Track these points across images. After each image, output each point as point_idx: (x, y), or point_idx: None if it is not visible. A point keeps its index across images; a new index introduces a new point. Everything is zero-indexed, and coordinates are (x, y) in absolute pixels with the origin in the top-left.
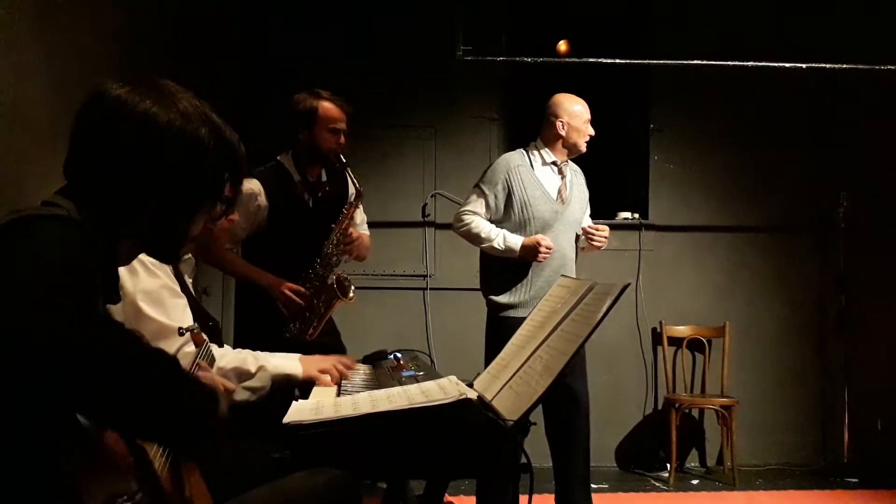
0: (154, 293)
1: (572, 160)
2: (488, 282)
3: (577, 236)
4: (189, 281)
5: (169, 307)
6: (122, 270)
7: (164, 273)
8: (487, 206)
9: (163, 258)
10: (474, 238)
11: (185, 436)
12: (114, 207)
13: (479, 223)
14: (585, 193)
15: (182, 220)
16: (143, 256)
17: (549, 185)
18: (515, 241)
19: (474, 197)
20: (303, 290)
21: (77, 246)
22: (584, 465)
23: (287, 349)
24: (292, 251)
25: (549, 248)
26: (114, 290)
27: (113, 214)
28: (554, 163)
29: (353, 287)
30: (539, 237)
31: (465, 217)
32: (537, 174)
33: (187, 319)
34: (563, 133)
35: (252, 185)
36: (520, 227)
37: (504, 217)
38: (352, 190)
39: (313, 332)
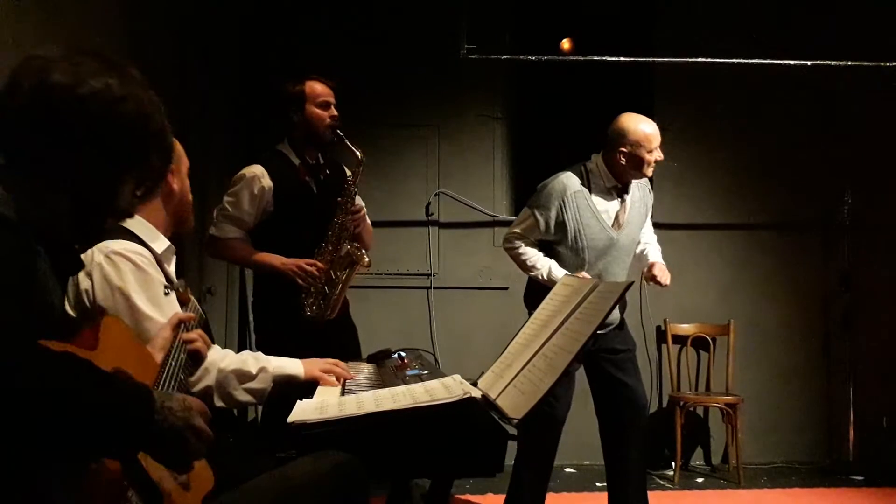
0: (151, 292)
1: None
2: (531, 297)
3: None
4: (172, 269)
5: (164, 305)
6: (107, 266)
7: (150, 266)
8: (538, 229)
9: (85, 233)
10: (521, 265)
11: (117, 441)
12: (39, 178)
13: (527, 251)
14: (648, 205)
15: (100, 195)
16: (129, 254)
17: (605, 212)
18: (558, 275)
19: (527, 218)
20: (318, 263)
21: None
22: (642, 468)
23: (307, 338)
24: (302, 235)
25: None
26: (74, 258)
27: (36, 188)
28: (615, 187)
29: (365, 252)
30: (582, 275)
31: (515, 242)
32: (594, 200)
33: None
34: (623, 163)
35: (255, 169)
36: (574, 252)
37: (558, 238)
38: (349, 173)
39: (333, 308)
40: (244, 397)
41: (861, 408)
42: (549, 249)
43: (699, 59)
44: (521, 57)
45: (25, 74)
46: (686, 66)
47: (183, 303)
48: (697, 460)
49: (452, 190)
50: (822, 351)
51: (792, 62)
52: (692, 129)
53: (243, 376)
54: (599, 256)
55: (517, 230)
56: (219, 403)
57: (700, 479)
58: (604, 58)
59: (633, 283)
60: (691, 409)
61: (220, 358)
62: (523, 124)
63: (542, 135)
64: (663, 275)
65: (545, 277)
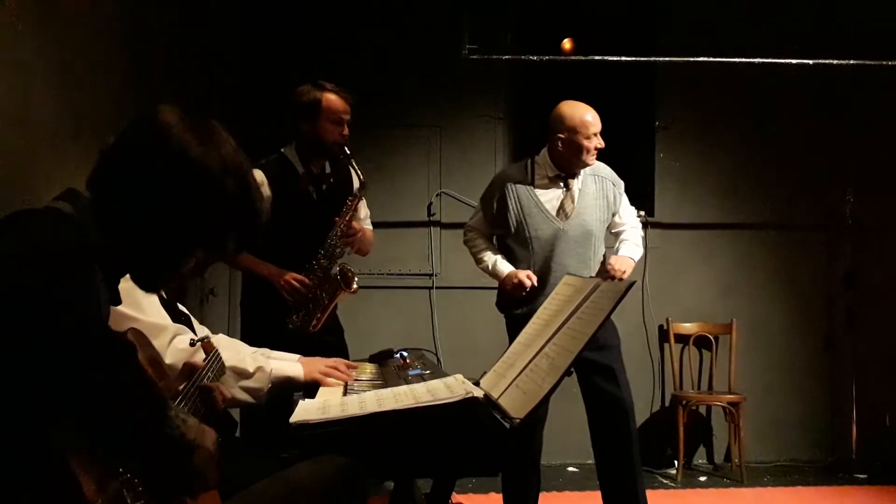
0: (128, 294)
1: (596, 161)
2: (500, 295)
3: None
4: None
5: (144, 306)
6: None
7: None
8: (486, 221)
9: (141, 284)
10: (473, 257)
11: (122, 432)
12: (115, 223)
13: (477, 242)
14: (609, 197)
15: (171, 257)
16: None
17: (549, 202)
18: (502, 270)
19: (477, 212)
20: (306, 280)
21: (73, 236)
22: (631, 471)
23: (290, 341)
24: (296, 243)
25: (526, 287)
26: (114, 291)
27: (112, 228)
28: (558, 176)
29: (356, 278)
30: (522, 275)
31: (468, 233)
32: (537, 191)
33: (163, 314)
34: (561, 149)
35: (255, 175)
36: (521, 244)
37: (504, 231)
38: (356, 182)
39: (317, 324)
40: (241, 395)
41: (864, 406)
42: (501, 244)
43: (701, 59)
44: (523, 57)
45: (148, 134)
46: (688, 66)
47: (207, 352)
48: (700, 459)
49: (454, 190)
50: (825, 349)
51: (794, 61)
52: (694, 128)
53: (240, 374)
54: (547, 247)
55: (470, 223)
56: None
57: (703, 478)
58: (605, 57)
59: (634, 282)
60: (694, 407)
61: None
62: (525, 124)
63: (543, 135)
64: (616, 265)
65: (490, 269)
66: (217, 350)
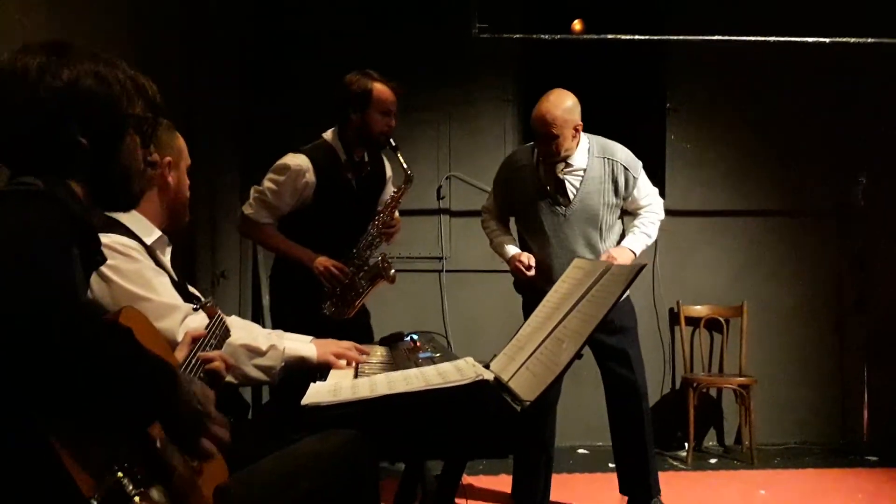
0: (139, 275)
1: (610, 142)
2: (518, 281)
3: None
4: (167, 259)
5: (157, 286)
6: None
7: (140, 254)
8: (497, 204)
9: (124, 202)
10: (487, 237)
11: (131, 410)
12: (51, 166)
13: (489, 223)
14: (619, 181)
15: (109, 154)
16: (116, 245)
17: (552, 186)
18: (507, 252)
19: (490, 194)
20: (346, 268)
21: (46, 213)
22: (643, 451)
23: (324, 326)
24: (334, 230)
25: (528, 268)
26: (97, 251)
27: (56, 173)
28: (552, 163)
29: (393, 268)
30: (520, 257)
31: (483, 214)
32: (542, 174)
33: (175, 295)
34: None
35: (300, 160)
36: (527, 226)
37: (513, 213)
38: (388, 173)
39: (352, 311)
40: (254, 373)
41: (875, 388)
42: (514, 226)
43: (712, 38)
44: (534, 36)
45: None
46: (699, 45)
47: (210, 316)
48: (710, 441)
49: (463, 173)
50: (836, 332)
51: (809, 39)
52: (705, 109)
53: (253, 352)
54: (552, 231)
55: (485, 205)
56: (228, 378)
57: (713, 460)
58: (616, 36)
59: (644, 265)
60: (704, 390)
61: (237, 328)
62: (534, 106)
63: None
64: (610, 258)
65: (498, 251)
66: (220, 314)
